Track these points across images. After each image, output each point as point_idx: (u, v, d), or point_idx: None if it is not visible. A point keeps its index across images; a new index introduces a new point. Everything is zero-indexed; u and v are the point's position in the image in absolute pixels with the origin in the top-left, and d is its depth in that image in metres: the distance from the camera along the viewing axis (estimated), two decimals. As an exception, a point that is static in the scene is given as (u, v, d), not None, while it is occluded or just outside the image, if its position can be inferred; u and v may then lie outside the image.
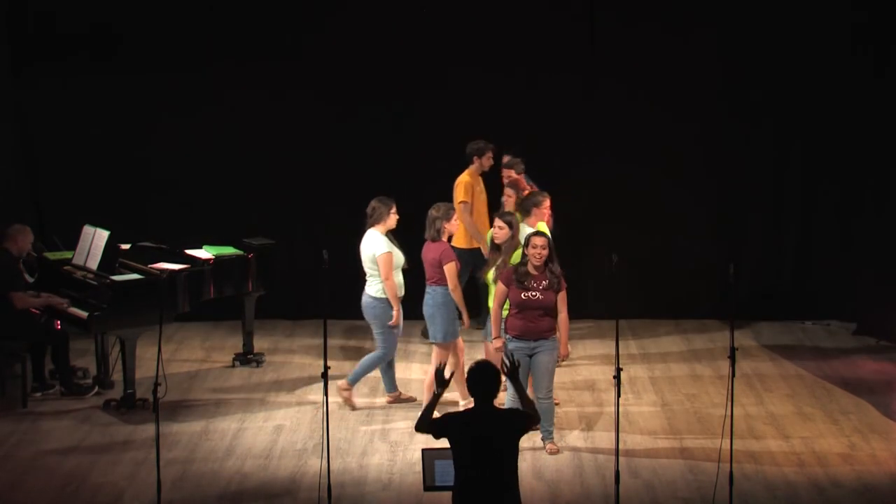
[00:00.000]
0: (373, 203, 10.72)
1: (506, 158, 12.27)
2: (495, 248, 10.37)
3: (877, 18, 12.70)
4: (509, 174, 12.02)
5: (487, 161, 12.23)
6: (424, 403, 7.47)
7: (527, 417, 7.45)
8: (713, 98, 13.19)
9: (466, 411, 7.41)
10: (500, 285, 9.89)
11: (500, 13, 13.12)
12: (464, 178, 12.15)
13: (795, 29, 13.02)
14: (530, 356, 9.75)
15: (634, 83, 13.14)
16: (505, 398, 9.81)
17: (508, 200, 11.58)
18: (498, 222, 10.34)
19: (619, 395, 8.90)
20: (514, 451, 7.26)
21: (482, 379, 7.31)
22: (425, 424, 7.47)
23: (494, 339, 10.00)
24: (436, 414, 7.49)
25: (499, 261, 10.26)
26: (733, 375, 8.78)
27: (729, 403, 8.89)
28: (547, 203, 10.98)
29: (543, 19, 13.17)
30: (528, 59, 13.15)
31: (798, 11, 12.98)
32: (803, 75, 13.13)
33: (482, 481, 7.15)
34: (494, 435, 7.19)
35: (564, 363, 11.56)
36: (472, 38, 13.14)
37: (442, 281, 10.42)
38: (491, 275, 10.28)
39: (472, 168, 12.23)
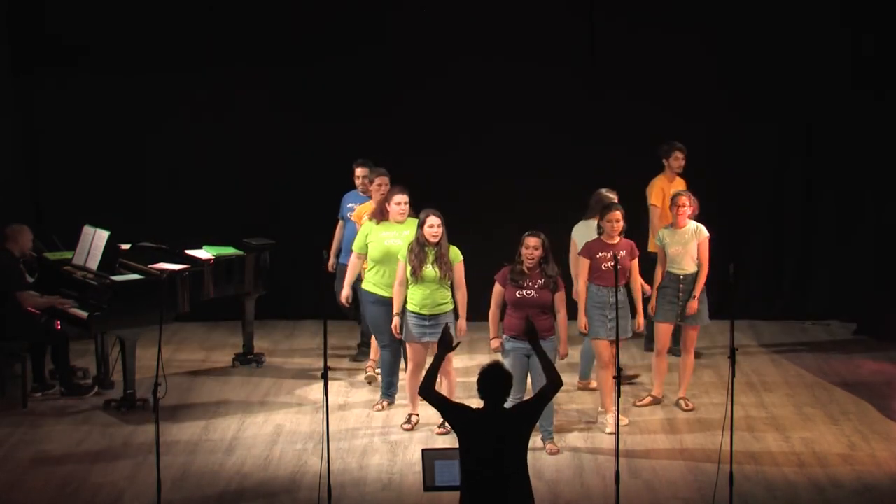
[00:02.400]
0: (595, 195, 10.84)
1: (363, 170, 11.72)
2: (429, 245, 10.12)
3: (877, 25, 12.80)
4: (385, 181, 11.26)
5: (675, 161, 12.05)
6: (432, 366, 7.34)
7: (540, 396, 7.37)
8: (713, 98, 13.19)
9: (477, 411, 7.36)
10: (497, 286, 9.89)
11: (501, 12, 13.14)
12: (655, 181, 12.03)
13: (795, 29, 13.08)
14: (528, 356, 9.74)
15: (635, 86, 13.16)
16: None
17: (402, 208, 10.72)
18: (435, 220, 10.11)
19: (619, 395, 8.90)
20: (524, 449, 7.22)
21: (492, 381, 7.27)
22: (433, 395, 7.28)
23: (492, 339, 10.00)
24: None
25: (432, 257, 10.12)
26: (733, 375, 8.78)
27: (729, 403, 8.88)
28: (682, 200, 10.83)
29: (543, 20, 13.21)
30: (528, 59, 13.17)
31: (799, 16, 13.04)
32: (804, 76, 13.16)
33: (491, 483, 7.11)
34: (504, 437, 7.15)
35: (566, 362, 11.57)
36: (472, 37, 13.17)
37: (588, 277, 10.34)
38: (432, 272, 10.15)
39: (666, 171, 12.11)
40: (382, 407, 10.89)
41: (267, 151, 13.28)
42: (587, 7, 13.23)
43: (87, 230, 11.41)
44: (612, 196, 10.97)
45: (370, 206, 11.28)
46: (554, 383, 7.39)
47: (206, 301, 11.50)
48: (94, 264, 11.21)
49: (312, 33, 13.22)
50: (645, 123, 13.11)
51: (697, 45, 13.16)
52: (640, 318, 10.50)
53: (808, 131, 13.26)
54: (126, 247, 11.58)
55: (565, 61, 13.26)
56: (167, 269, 11.19)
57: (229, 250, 11.93)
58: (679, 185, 12.03)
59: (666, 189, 11.96)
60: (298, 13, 13.19)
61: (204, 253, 11.76)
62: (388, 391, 10.94)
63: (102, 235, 11.21)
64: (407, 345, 10.34)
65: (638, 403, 10.90)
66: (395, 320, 10.30)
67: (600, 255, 10.28)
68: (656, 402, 10.95)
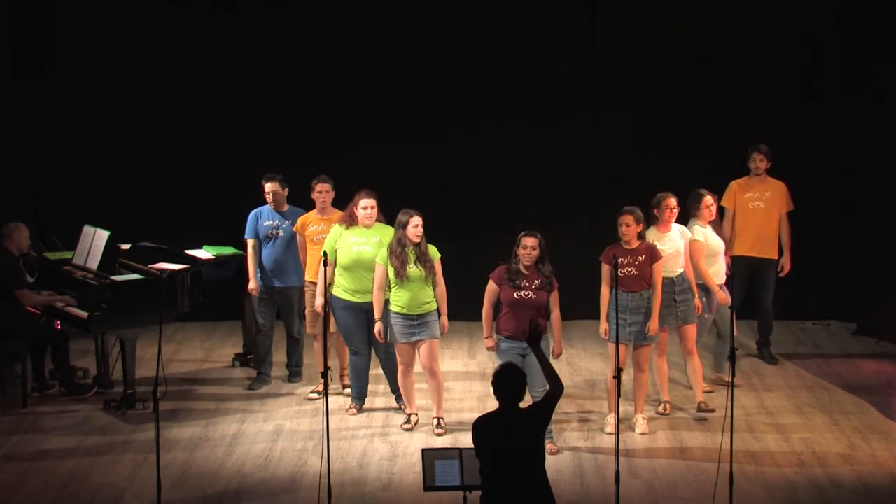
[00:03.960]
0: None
1: (272, 185, 11.44)
2: (411, 245, 10.11)
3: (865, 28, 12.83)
4: (326, 188, 11.09)
5: (753, 164, 11.86)
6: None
7: (549, 401, 7.38)
8: (712, 97, 13.20)
9: (491, 415, 7.35)
10: (491, 284, 9.88)
11: (498, 11, 13.16)
12: (730, 184, 11.92)
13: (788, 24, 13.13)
14: (523, 356, 9.72)
15: (635, 84, 13.17)
16: None
17: (368, 212, 10.65)
18: (419, 220, 10.10)
19: (619, 395, 8.90)
20: (542, 447, 7.24)
21: (507, 381, 7.27)
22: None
23: (486, 339, 9.99)
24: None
25: (413, 256, 10.12)
26: (733, 375, 8.79)
27: (729, 403, 8.88)
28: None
29: (542, 19, 13.22)
30: (528, 59, 13.19)
31: (796, 14, 13.07)
32: (803, 74, 13.17)
33: (513, 484, 7.10)
34: (522, 437, 7.15)
35: (565, 363, 11.57)
36: (470, 37, 13.18)
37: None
38: (416, 271, 10.12)
39: (750, 174, 11.95)
40: (357, 410, 10.85)
41: (267, 151, 13.27)
42: (587, 4, 13.24)
43: (87, 230, 11.41)
44: (709, 197, 10.95)
45: (313, 214, 11.19)
46: (558, 388, 7.43)
47: (206, 301, 11.49)
48: (94, 264, 11.21)
49: (312, 33, 13.22)
50: (644, 123, 13.14)
51: (696, 44, 13.17)
52: (654, 324, 10.38)
53: (808, 130, 13.27)
54: (126, 247, 11.59)
55: (564, 60, 13.26)
56: (167, 269, 11.19)
57: (229, 250, 11.92)
58: (768, 188, 11.88)
59: (738, 192, 11.88)
60: (298, 14, 13.19)
61: (204, 253, 11.77)
62: (360, 395, 10.90)
63: (102, 235, 11.21)
64: (395, 347, 10.34)
65: (660, 411, 10.82)
66: (378, 325, 10.28)
67: (618, 260, 10.19)
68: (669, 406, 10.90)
